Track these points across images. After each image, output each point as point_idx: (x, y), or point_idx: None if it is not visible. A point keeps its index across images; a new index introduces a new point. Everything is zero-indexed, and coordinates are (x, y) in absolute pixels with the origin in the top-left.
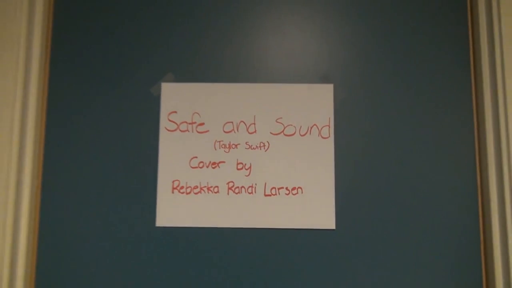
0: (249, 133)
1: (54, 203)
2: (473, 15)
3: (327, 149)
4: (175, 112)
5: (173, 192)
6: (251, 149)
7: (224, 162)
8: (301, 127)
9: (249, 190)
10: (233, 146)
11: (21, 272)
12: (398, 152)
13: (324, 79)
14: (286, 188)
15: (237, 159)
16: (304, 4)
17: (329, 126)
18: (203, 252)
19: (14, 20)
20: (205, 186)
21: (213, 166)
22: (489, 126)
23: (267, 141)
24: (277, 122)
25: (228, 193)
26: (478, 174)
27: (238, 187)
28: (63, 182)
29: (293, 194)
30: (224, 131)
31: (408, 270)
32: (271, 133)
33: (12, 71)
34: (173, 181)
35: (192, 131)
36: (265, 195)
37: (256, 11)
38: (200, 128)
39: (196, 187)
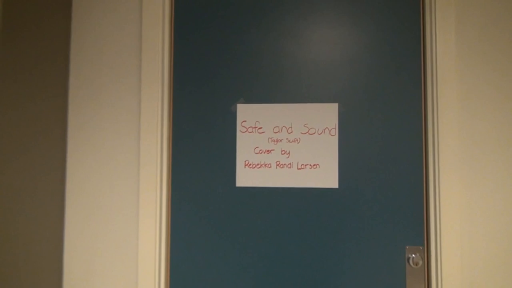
0: (288, 133)
1: (180, 175)
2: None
3: (334, 142)
4: (245, 121)
5: (245, 167)
6: (289, 142)
7: (274, 150)
8: (318, 129)
9: (288, 166)
10: (279, 140)
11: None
12: (377, 142)
13: (332, 100)
14: (310, 165)
15: (281, 148)
16: (318, 58)
17: (335, 128)
18: (262, 200)
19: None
20: (263, 164)
21: (267, 152)
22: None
23: (299, 138)
24: (304, 126)
25: (276, 168)
26: (423, 159)
27: (282, 164)
28: (186, 161)
29: (314, 168)
30: (274, 132)
31: (379, 208)
32: (301, 133)
33: (154, 106)
34: (244, 161)
35: (255, 132)
36: (298, 169)
37: (292, 62)
38: (259, 131)
39: (258, 164)
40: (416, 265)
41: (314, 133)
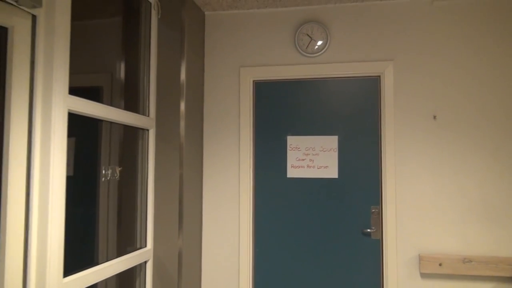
0: (312, 150)
1: (259, 172)
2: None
3: (335, 155)
4: (291, 144)
5: (291, 168)
6: (313, 155)
7: (305, 159)
8: (328, 148)
9: (313, 167)
10: (308, 154)
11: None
12: (357, 155)
13: (334, 134)
14: (323, 166)
15: (309, 158)
16: (328, 114)
17: (336, 148)
18: (300, 184)
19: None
20: (300, 166)
21: (302, 160)
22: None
23: (318, 153)
24: (321, 147)
25: (307, 168)
26: (380, 166)
27: (309, 166)
28: (262, 166)
29: (325, 168)
30: (305, 150)
31: (358, 188)
32: (319, 150)
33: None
34: (291, 164)
35: (296, 150)
36: (317, 168)
37: (314, 116)
38: (298, 149)
39: (298, 166)
40: (375, 215)
41: (326, 150)
